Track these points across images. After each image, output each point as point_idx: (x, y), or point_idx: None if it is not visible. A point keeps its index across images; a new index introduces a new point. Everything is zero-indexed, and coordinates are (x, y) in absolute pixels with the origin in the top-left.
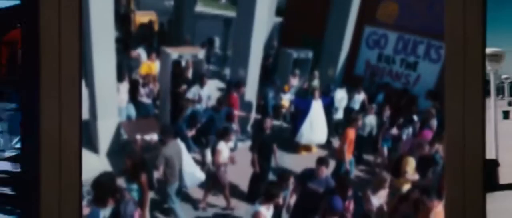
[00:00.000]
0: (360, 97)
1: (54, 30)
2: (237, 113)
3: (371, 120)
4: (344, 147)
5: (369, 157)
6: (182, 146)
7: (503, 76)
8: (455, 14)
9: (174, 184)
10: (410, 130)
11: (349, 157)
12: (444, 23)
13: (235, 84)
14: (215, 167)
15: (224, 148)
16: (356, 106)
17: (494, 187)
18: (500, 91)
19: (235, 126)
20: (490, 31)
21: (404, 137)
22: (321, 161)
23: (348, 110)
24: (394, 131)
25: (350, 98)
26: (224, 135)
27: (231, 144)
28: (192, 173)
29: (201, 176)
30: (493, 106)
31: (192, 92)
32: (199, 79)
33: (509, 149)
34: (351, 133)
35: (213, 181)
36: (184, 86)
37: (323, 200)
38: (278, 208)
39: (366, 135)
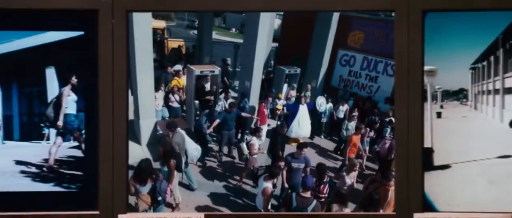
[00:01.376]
0: (344, 108)
1: (108, 53)
2: (244, 114)
3: (352, 125)
4: (348, 148)
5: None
6: (183, 133)
7: (437, 87)
8: (402, 41)
9: (182, 159)
10: (388, 132)
11: (352, 155)
12: (395, 48)
13: (264, 97)
14: (250, 155)
15: (256, 141)
16: (341, 115)
17: (430, 168)
18: (434, 98)
19: (264, 127)
20: (427, 53)
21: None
22: (300, 146)
23: (333, 117)
24: (372, 133)
25: (336, 109)
26: (256, 132)
27: (262, 138)
28: (192, 150)
29: (198, 153)
30: (429, 109)
31: (220, 106)
32: (225, 95)
33: (440, 140)
34: (355, 139)
35: (246, 165)
36: (211, 97)
37: (301, 176)
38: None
39: (347, 136)
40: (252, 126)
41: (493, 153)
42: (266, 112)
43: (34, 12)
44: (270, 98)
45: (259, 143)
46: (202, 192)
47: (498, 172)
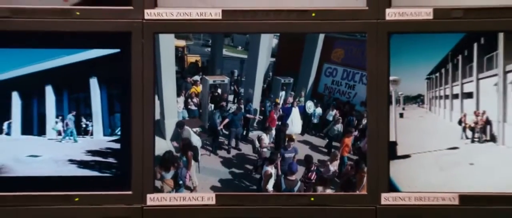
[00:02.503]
0: (332, 113)
1: (139, 66)
2: (249, 116)
3: (338, 127)
4: (341, 149)
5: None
6: (189, 128)
7: (399, 93)
8: (372, 57)
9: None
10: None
11: (345, 154)
12: (367, 62)
13: (274, 105)
14: (260, 148)
15: (266, 138)
16: (330, 118)
17: (394, 157)
18: (397, 102)
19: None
20: (392, 66)
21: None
22: (290, 139)
23: (323, 119)
24: (356, 132)
25: (325, 112)
26: (267, 130)
27: (272, 134)
28: (196, 141)
29: (199, 142)
30: (394, 111)
31: (232, 108)
32: (237, 100)
33: (402, 135)
34: (347, 140)
35: (259, 156)
36: (223, 103)
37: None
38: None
39: (333, 136)
40: (266, 125)
41: (443, 145)
42: (275, 116)
43: (80, 34)
44: (279, 106)
45: (269, 140)
46: (214, 177)
47: (447, 160)
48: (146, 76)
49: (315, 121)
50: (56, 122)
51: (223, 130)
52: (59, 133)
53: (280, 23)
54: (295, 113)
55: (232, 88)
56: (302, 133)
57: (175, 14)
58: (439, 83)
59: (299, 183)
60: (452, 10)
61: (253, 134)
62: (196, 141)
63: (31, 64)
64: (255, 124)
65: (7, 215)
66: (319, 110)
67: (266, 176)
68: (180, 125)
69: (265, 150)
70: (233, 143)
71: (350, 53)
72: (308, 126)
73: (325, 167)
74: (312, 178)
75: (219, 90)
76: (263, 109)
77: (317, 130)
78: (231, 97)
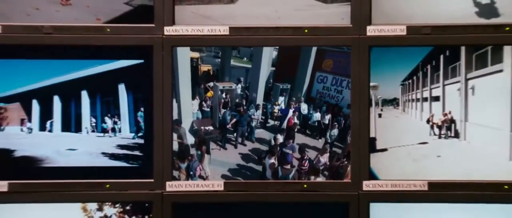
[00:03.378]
0: (327, 117)
1: (160, 75)
2: (253, 116)
3: (334, 132)
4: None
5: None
6: (184, 128)
7: (378, 96)
8: (355, 66)
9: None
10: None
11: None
12: (351, 71)
13: (294, 111)
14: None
15: (279, 137)
16: (326, 121)
17: (374, 151)
18: (377, 104)
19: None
20: (372, 74)
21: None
22: (288, 137)
23: (320, 123)
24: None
25: (322, 116)
26: (280, 132)
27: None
28: (189, 139)
29: (191, 140)
30: (374, 112)
31: (251, 112)
32: (246, 103)
33: (381, 132)
34: (322, 157)
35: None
36: (240, 107)
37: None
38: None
39: (331, 141)
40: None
41: (415, 141)
42: (292, 121)
43: (110, 47)
44: (297, 113)
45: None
46: (223, 168)
47: (418, 153)
48: (165, 83)
49: (313, 122)
50: (105, 121)
51: (231, 128)
52: (106, 131)
53: (279, 38)
54: (291, 114)
55: (243, 93)
56: (299, 132)
57: (190, 31)
58: (412, 88)
59: (293, 171)
60: (422, 27)
61: (258, 132)
62: (190, 139)
63: (69, 72)
64: (258, 124)
65: (51, 198)
66: (317, 115)
67: (272, 168)
68: (176, 123)
69: (278, 148)
70: (239, 140)
71: (338, 63)
72: (303, 125)
73: (316, 159)
74: (305, 165)
75: (228, 95)
76: (264, 110)
77: (312, 131)
78: (243, 101)
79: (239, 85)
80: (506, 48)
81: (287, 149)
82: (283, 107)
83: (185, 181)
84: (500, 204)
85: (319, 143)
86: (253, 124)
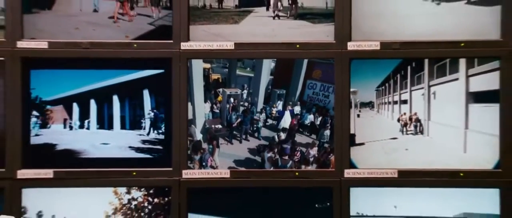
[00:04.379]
0: (319, 119)
1: (177, 82)
2: (255, 117)
3: (327, 133)
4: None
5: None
6: (194, 127)
7: (357, 100)
8: (339, 75)
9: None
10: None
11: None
12: (335, 79)
13: (296, 115)
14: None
15: (282, 135)
16: (318, 122)
17: (353, 145)
18: (356, 106)
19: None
20: (352, 82)
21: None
22: (289, 136)
23: (313, 124)
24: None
25: (315, 118)
26: (283, 131)
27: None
28: (197, 133)
29: (200, 135)
30: (353, 113)
31: (257, 115)
32: (250, 106)
33: (359, 129)
34: (311, 150)
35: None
36: (246, 109)
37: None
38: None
39: (323, 141)
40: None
41: (387, 136)
42: (295, 122)
43: (137, 59)
44: (299, 116)
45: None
46: (230, 159)
47: (389, 147)
48: (182, 89)
49: (306, 122)
50: (143, 119)
51: (237, 126)
52: (135, 128)
53: (276, 52)
54: (287, 115)
55: (247, 98)
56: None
57: (202, 46)
58: (384, 93)
59: (290, 162)
60: (392, 43)
61: (264, 130)
62: (199, 135)
63: (103, 80)
64: (262, 124)
65: (88, 183)
66: (311, 117)
67: (271, 161)
68: (190, 123)
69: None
70: (243, 136)
71: (326, 72)
72: (298, 125)
73: (307, 152)
74: (297, 155)
75: (235, 100)
76: (264, 111)
77: (306, 130)
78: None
79: (244, 91)
80: (461, 61)
81: (285, 144)
82: (280, 109)
83: (198, 170)
84: (457, 188)
85: (311, 140)
86: (260, 125)
